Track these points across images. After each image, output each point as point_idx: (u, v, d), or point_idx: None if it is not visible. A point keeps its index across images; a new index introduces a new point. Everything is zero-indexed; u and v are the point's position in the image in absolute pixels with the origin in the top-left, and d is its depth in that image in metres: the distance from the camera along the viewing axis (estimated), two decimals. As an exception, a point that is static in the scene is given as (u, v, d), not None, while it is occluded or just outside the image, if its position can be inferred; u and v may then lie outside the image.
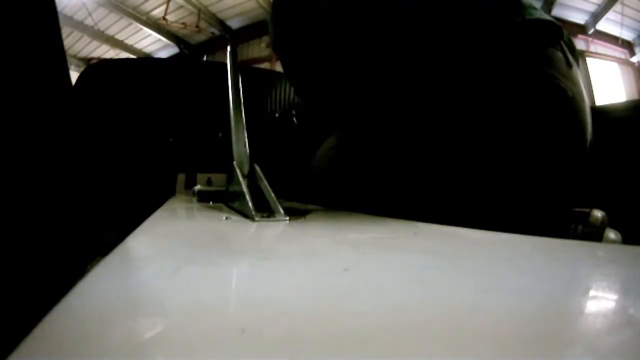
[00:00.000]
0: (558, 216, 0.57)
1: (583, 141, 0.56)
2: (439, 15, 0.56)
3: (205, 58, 6.24)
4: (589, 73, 4.90)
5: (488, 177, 0.53)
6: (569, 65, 0.55)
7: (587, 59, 4.99)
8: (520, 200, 0.53)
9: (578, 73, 0.57)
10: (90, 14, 5.44)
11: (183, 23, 5.88)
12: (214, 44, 6.19)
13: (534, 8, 0.57)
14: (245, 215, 0.46)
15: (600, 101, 4.69)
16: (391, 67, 0.60)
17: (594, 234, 0.54)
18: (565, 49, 0.56)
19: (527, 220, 0.53)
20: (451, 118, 0.54)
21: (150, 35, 6.10)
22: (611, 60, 5.15)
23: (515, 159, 0.52)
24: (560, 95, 0.52)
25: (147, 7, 5.58)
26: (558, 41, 0.55)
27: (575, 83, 0.55)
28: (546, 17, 0.57)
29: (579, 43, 5.03)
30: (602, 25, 4.98)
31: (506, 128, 0.52)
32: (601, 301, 0.20)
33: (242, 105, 0.59)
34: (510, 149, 0.52)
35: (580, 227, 0.56)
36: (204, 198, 0.67)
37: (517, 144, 0.52)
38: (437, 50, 0.56)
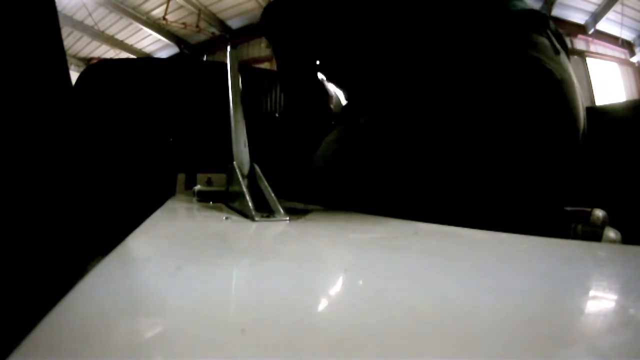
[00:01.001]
0: (555, 211, 0.57)
1: (574, 127, 0.55)
2: (426, 8, 0.56)
3: (205, 58, 6.24)
4: (589, 73, 4.90)
5: (481, 163, 0.52)
6: (557, 52, 0.55)
7: (587, 59, 4.99)
8: (514, 185, 0.53)
9: (567, 61, 0.57)
10: (90, 14, 5.44)
11: (183, 23, 5.88)
12: (214, 44, 6.19)
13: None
14: (245, 215, 0.46)
15: (600, 101, 4.69)
16: (383, 59, 0.61)
17: (593, 233, 0.54)
18: (552, 38, 0.56)
19: (524, 211, 0.52)
20: (443, 110, 0.54)
21: (150, 35, 6.10)
22: (611, 60, 5.15)
23: (505, 145, 0.52)
24: (547, 76, 0.52)
25: (147, 7, 5.57)
26: (544, 29, 0.55)
27: (564, 68, 0.54)
28: (531, 7, 0.57)
29: (579, 43, 5.03)
30: (602, 25, 4.98)
31: (495, 115, 0.51)
32: (601, 301, 0.20)
33: (242, 105, 0.59)
34: (500, 135, 0.52)
35: (580, 227, 0.56)
36: (204, 198, 0.67)
37: (506, 131, 0.51)
38: (425, 44, 0.56)
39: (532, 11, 0.55)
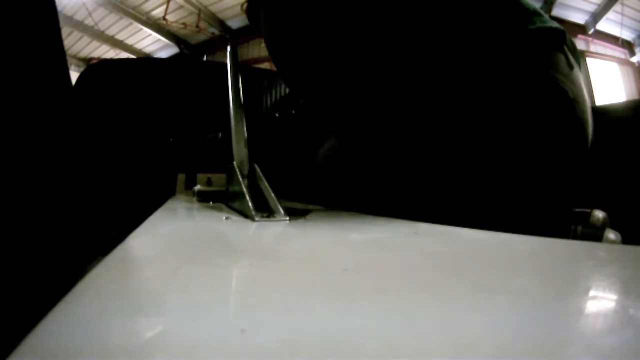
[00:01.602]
0: (558, 216, 0.58)
1: (584, 141, 0.56)
2: (447, 22, 0.57)
3: (205, 58, 6.24)
4: (589, 73, 4.90)
5: (489, 175, 0.53)
6: (571, 67, 0.56)
7: (587, 59, 4.99)
8: (520, 198, 0.54)
9: (580, 75, 0.58)
10: (90, 14, 5.44)
11: (183, 23, 5.88)
12: (214, 44, 6.19)
13: (539, 15, 0.58)
14: (245, 215, 0.46)
15: (600, 101, 4.69)
16: (402, 70, 0.61)
17: (593, 235, 0.54)
18: (568, 53, 0.57)
19: (527, 218, 0.53)
20: (456, 119, 0.55)
21: (150, 35, 6.10)
22: (611, 60, 5.15)
23: (516, 159, 0.53)
24: (562, 96, 0.53)
25: (147, 7, 5.58)
26: (561, 46, 0.56)
27: (576, 85, 0.56)
28: (551, 23, 0.57)
29: (579, 43, 5.03)
30: (602, 25, 4.98)
31: (508, 129, 0.52)
32: (601, 301, 0.20)
33: (242, 105, 0.59)
34: (512, 148, 0.53)
35: (580, 228, 0.56)
36: (204, 198, 0.67)
37: (519, 144, 0.52)
38: (444, 55, 0.56)
39: (551, 29, 0.57)
